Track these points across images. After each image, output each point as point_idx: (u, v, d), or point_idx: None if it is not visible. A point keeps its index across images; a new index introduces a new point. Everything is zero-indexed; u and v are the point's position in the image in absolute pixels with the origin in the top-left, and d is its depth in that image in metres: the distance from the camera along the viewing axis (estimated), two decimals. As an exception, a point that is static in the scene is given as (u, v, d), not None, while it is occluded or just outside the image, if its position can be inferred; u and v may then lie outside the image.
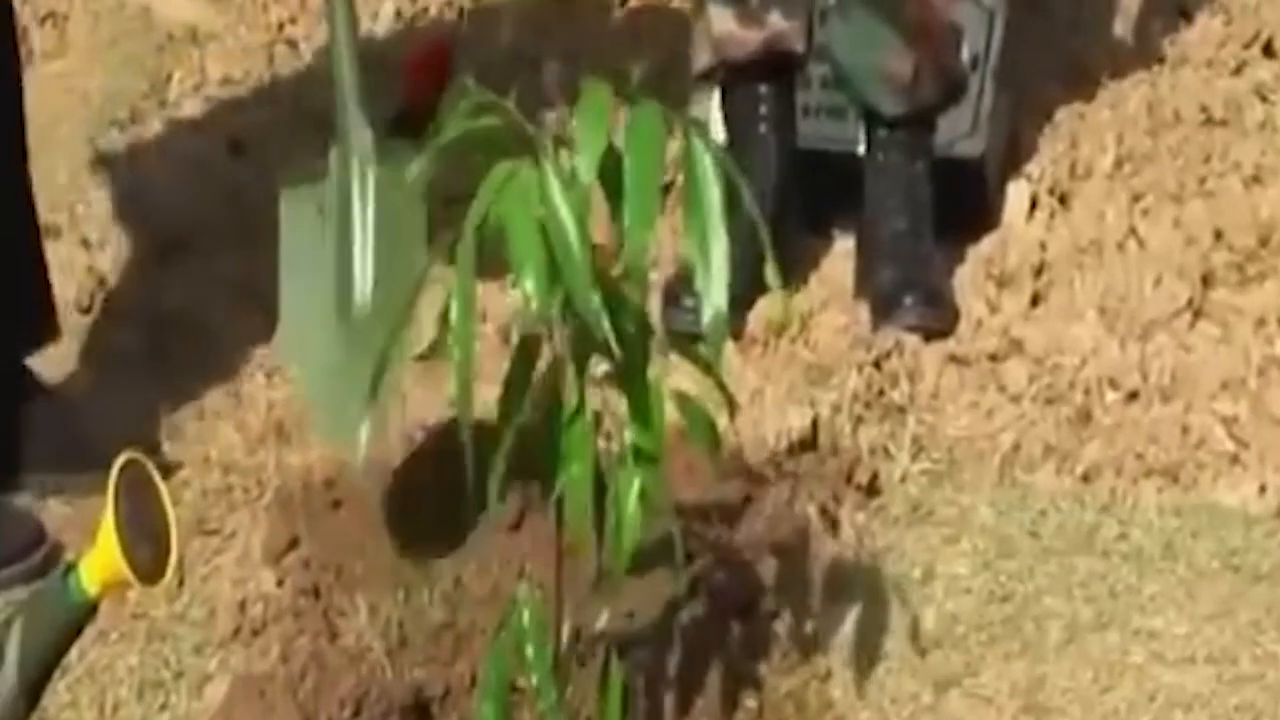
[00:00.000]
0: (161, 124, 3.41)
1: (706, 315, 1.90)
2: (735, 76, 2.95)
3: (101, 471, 2.34)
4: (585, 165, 1.85)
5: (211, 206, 3.07)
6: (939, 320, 2.86)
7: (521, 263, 1.85)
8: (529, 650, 2.09)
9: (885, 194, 2.92)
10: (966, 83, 2.97)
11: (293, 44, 3.57)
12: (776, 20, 2.89)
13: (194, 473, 2.76)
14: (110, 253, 3.15)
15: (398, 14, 3.59)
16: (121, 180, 3.28)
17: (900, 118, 2.90)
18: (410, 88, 3.31)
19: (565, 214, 1.85)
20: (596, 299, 1.85)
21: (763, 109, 2.95)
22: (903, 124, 2.91)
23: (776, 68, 2.94)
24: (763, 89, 2.95)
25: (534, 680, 2.10)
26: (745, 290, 2.50)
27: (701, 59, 2.97)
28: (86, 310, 3.05)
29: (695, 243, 1.89)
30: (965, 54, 2.97)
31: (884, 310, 2.87)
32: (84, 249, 3.16)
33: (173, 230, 3.17)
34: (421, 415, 2.73)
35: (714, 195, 1.89)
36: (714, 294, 1.89)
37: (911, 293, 2.86)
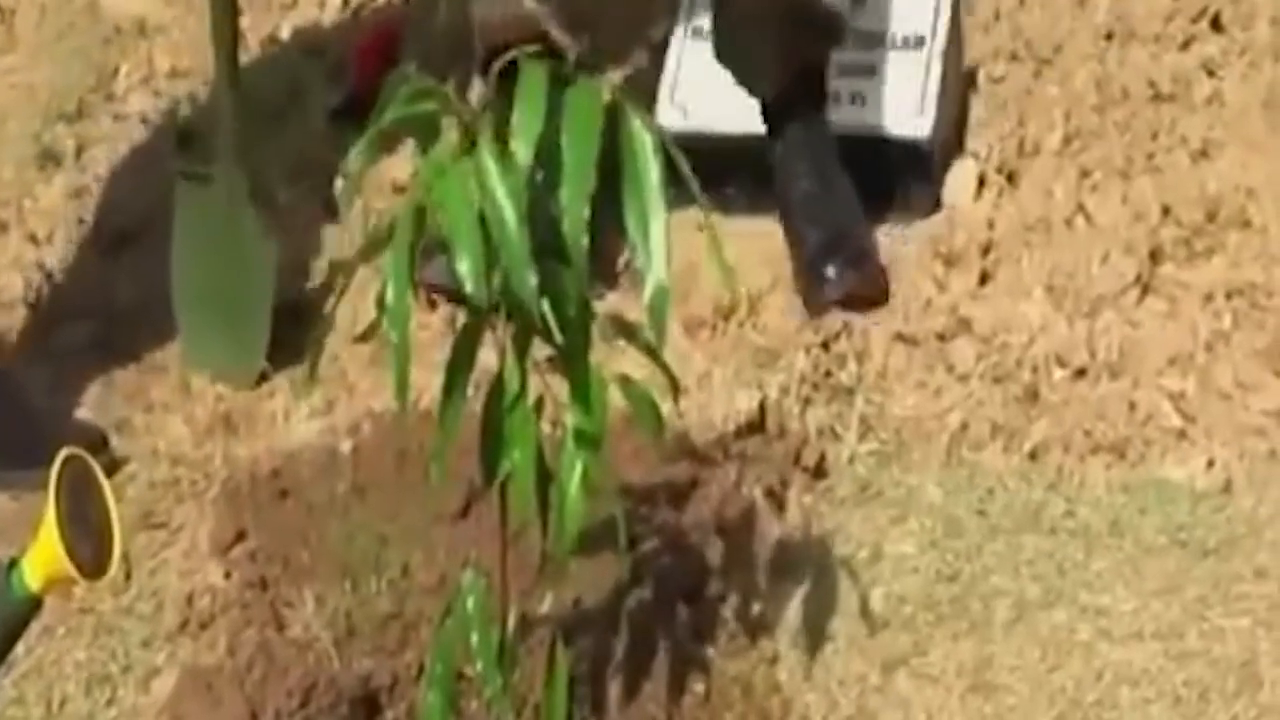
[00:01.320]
0: (109, 118, 3.39)
1: (649, 290, 1.89)
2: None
3: (50, 466, 2.32)
4: (523, 147, 1.84)
5: (159, 200, 3.05)
6: (864, 284, 2.83)
7: (458, 245, 1.85)
8: (474, 638, 2.09)
9: (789, 158, 2.88)
10: (841, 22, 2.87)
11: (240, 35, 3.55)
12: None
13: (141, 465, 2.76)
14: (58, 247, 3.13)
15: (345, 1, 3.58)
16: (69, 175, 3.27)
17: (781, 90, 2.86)
18: (359, 73, 3.31)
19: (502, 195, 1.84)
20: (533, 280, 1.84)
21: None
22: (788, 89, 2.86)
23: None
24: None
25: (479, 667, 2.10)
26: None
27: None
28: (34, 305, 3.04)
29: (634, 220, 1.88)
30: None
31: (811, 286, 2.83)
32: (32, 244, 3.15)
33: (120, 224, 3.16)
34: (368, 405, 2.73)
35: (653, 172, 1.88)
36: (655, 269, 1.88)
37: (833, 261, 2.83)
